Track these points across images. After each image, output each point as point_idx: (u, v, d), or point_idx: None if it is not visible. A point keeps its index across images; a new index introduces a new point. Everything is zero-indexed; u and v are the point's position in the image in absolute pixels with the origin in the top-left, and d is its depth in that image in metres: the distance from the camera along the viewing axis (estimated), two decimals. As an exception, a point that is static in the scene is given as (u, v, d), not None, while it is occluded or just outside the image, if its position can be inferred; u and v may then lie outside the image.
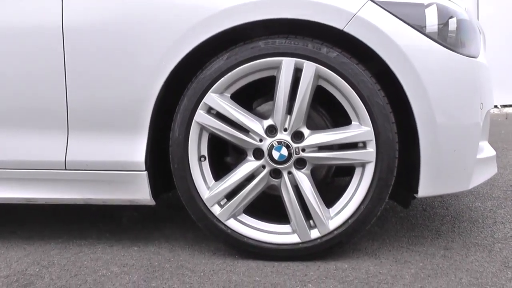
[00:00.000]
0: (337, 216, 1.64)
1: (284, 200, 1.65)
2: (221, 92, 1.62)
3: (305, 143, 1.61)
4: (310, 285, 1.50)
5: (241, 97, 1.66)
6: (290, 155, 1.61)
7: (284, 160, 1.61)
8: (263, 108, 1.75)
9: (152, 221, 2.15)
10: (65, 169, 1.69)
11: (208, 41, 1.57)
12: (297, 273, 1.59)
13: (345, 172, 1.88)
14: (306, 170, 1.63)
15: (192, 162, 1.65)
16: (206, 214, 1.67)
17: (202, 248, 1.82)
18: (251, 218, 1.69)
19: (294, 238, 1.66)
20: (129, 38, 1.61)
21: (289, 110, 1.60)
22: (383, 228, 2.00)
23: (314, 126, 1.69)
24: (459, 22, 1.64)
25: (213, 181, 1.68)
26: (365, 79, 1.56)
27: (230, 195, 1.67)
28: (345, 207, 1.64)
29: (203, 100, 1.61)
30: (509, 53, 6.60)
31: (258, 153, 1.64)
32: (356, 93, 1.56)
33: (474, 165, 1.67)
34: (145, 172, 1.66)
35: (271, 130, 1.62)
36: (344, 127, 1.63)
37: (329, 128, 1.72)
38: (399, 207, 2.26)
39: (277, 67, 1.58)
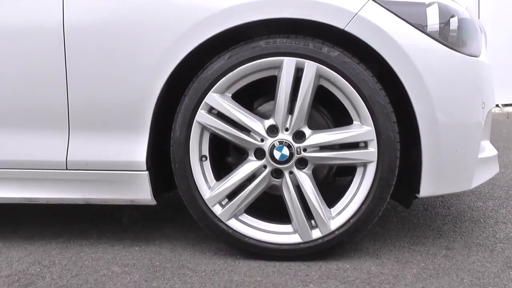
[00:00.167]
0: (338, 216, 1.64)
1: (286, 200, 1.65)
2: (222, 92, 1.61)
3: (306, 143, 1.61)
4: (311, 285, 1.50)
5: (242, 97, 1.66)
6: (291, 155, 1.60)
7: (285, 160, 1.61)
8: (264, 108, 1.75)
9: (153, 221, 2.14)
10: (66, 169, 1.69)
11: (209, 41, 1.56)
12: (298, 273, 1.59)
13: (347, 172, 1.88)
14: (308, 170, 1.63)
15: (193, 162, 1.64)
16: (207, 214, 1.66)
17: (203, 248, 1.82)
18: (253, 218, 1.69)
19: (295, 238, 1.65)
20: (129, 38, 1.60)
21: (291, 110, 1.60)
22: (384, 228, 2.00)
23: (315, 126, 1.69)
24: (460, 21, 1.64)
25: (214, 181, 1.68)
26: (366, 79, 1.55)
27: (231, 195, 1.66)
28: (347, 207, 1.64)
29: (204, 100, 1.60)
30: (510, 52, 6.59)
31: (259, 153, 1.63)
32: (358, 93, 1.56)
33: (476, 165, 1.67)
34: (146, 172, 1.66)
35: (273, 130, 1.62)
36: (346, 126, 1.62)
37: (330, 128, 1.72)
38: (400, 207, 2.26)
39: (278, 66, 1.58)
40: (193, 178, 1.65)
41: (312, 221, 1.65)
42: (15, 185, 1.74)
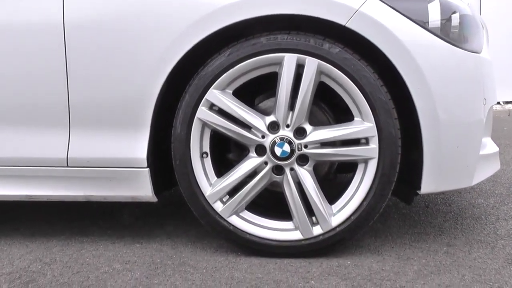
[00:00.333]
0: (339, 212, 1.64)
1: (287, 197, 1.65)
2: (223, 89, 1.61)
3: (307, 139, 1.61)
4: (312, 282, 1.50)
5: (243, 93, 1.66)
6: (292, 151, 1.60)
7: (286, 157, 1.60)
8: (265, 104, 1.75)
9: (154, 218, 2.14)
10: (67, 166, 1.69)
11: (210, 38, 1.56)
12: (299, 270, 1.58)
13: (348, 169, 1.88)
14: (309, 166, 1.63)
15: (194, 159, 1.64)
16: (208, 210, 1.66)
17: (204, 245, 1.82)
18: (254, 215, 1.69)
19: (296, 235, 1.65)
20: (130, 36, 1.60)
21: (291, 106, 1.60)
22: (385, 224, 2.00)
23: (316, 122, 1.69)
24: (462, 17, 1.63)
25: (215, 177, 1.67)
26: (367, 75, 1.55)
27: (232, 191, 1.66)
28: (348, 203, 1.64)
29: (205, 97, 1.60)
30: (512, 48, 6.58)
31: (260, 150, 1.63)
32: (359, 89, 1.55)
33: (477, 162, 1.67)
34: (147, 169, 1.65)
35: (273, 127, 1.62)
36: (347, 123, 1.62)
37: (331, 124, 1.72)
38: (401, 203, 2.26)
39: (279, 63, 1.57)
40: (194, 175, 1.65)
41: (313, 218, 1.65)
42: (16, 182, 1.74)
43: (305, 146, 1.61)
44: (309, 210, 1.64)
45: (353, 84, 1.56)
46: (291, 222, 1.67)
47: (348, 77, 1.55)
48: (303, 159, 1.62)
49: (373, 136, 1.58)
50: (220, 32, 1.56)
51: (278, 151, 1.60)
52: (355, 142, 1.62)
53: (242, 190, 1.65)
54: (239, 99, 1.62)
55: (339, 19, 1.52)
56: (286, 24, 1.59)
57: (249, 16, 1.53)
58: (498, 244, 1.76)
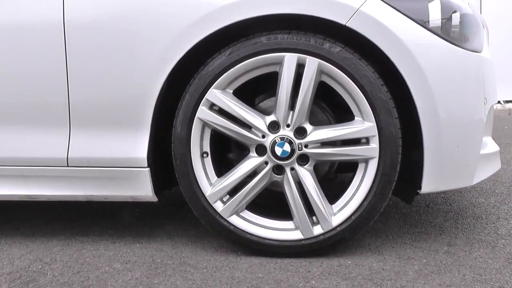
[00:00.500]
0: (340, 212, 1.64)
1: (287, 197, 1.65)
2: (223, 88, 1.61)
3: (308, 139, 1.60)
4: (313, 281, 1.50)
5: (243, 93, 1.66)
6: (292, 151, 1.60)
7: (287, 156, 1.60)
8: (265, 104, 1.74)
9: (154, 218, 2.14)
10: (67, 166, 1.69)
11: (210, 38, 1.56)
12: (300, 269, 1.58)
13: (348, 168, 1.87)
14: (309, 166, 1.63)
15: (194, 159, 1.64)
16: (208, 210, 1.66)
17: (205, 244, 1.82)
18: (254, 215, 1.68)
19: (297, 235, 1.65)
20: (130, 35, 1.60)
21: (292, 106, 1.60)
22: (386, 224, 2.00)
23: (316, 122, 1.69)
24: (462, 16, 1.63)
25: (216, 177, 1.67)
26: (368, 74, 1.55)
27: (233, 191, 1.66)
28: (348, 203, 1.64)
29: (205, 96, 1.60)
30: (512, 48, 6.57)
31: (260, 149, 1.63)
32: (359, 88, 1.55)
33: (478, 161, 1.66)
34: (147, 169, 1.65)
35: (274, 126, 1.62)
36: (347, 122, 1.62)
37: (332, 124, 1.71)
38: (402, 203, 2.26)
39: (280, 62, 1.57)
40: (194, 175, 1.65)
41: (314, 218, 1.65)
42: (16, 182, 1.74)
43: (306, 146, 1.61)
44: (310, 209, 1.64)
45: (354, 84, 1.55)
46: (291, 221, 1.67)
47: (349, 77, 1.55)
48: (303, 159, 1.62)
49: (374, 136, 1.57)
50: (220, 32, 1.55)
51: (278, 150, 1.60)
52: (355, 141, 1.62)
53: (243, 190, 1.64)
54: (239, 99, 1.62)
55: (339, 19, 1.52)
56: (286, 23, 1.59)
57: (249, 15, 1.53)
58: (499, 243, 1.76)
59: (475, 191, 2.47)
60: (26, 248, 1.83)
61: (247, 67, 1.58)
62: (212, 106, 1.62)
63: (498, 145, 1.94)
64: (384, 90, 1.55)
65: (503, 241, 1.78)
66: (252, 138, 1.62)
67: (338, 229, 1.63)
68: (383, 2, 1.54)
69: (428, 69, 1.53)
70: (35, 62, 1.65)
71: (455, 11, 1.62)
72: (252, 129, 1.62)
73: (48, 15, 1.62)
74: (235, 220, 1.67)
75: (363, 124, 1.58)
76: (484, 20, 1.94)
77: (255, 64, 1.58)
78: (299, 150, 1.61)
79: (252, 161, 1.64)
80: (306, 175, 1.62)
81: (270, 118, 1.62)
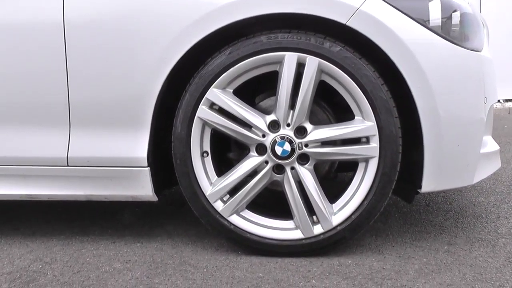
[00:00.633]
0: (340, 211, 1.64)
1: (287, 196, 1.65)
2: (223, 88, 1.61)
3: (308, 138, 1.60)
4: (313, 281, 1.50)
5: (243, 92, 1.66)
6: (293, 150, 1.60)
7: (287, 156, 1.60)
8: (265, 103, 1.74)
9: (154, 218, 2.14)
10: (67, 165, 1.69)
11: (210, 37, 1.56)
12: (300, 269, 1.58)
13: (348, 168, 1.87)
14: (309, 165, 1.63)
15: (194, 158, 1.64)
16: (208, 210, 1.66)
17: (205, 244, 1.82)
18: (254, 214, 1.68)
19: (297, 234, 1.65)
20: (130, 35, 1.60)
21: (292, 105, 1.60)
22: (386, 223, 2.00)
23: (317, 121, 1.69)
24: (462, 15, 1.63)
25: (216, 177, 1.67)
26: (368, 73, 1.55)
27: (233, 191, 1.66)
28: (348, 202, 1.64)
29: (205, 96, 1.60)
30: (512, 47, 6.57)
31: (261, 149, 1.63)
32: (359, 88, 1.55)
33: (478, 160, 1.66)
34: (147, 168, 1.65)
35: (274, 126, 1.62)
36: (347, 122, 1.62)
37: (332, 123, 1.71)
38: (402, 202, 2.26)
39: (280, 62, 1.57)
40: (195, 174, 1.65)
41: (314, 217, 1.65)
42: (16, 182, 1.74)
43: (306, 145, 1.60)
44: (310, 209, 1.64)
45: (354, 83, 1.55)
46: (291, 221, 1.67)
47: (349, 76, 1.55)
48: (303, 158, 1.62)
49: (374, 135, 1.57)
50: (220, 31, 1.55)
51: (278, 150, 1.60)
52: (355, 141, 1.62)
53: (243, 189, 1.64)
54: (239, 98, 1.62)
55: (339, 18, 1.52)
56: (286, 23, 1.59)
57: (249, 15, 1.53)
58: (499, 242, 1.76)
59: (475, 190, 2.47)
60: (26, 247, 1.83)
61: (247, 67, 1.58)
62: (212, 106, 1.62)
63: (498, 144, 1.94)
64: (384, 90, 1.55)
65: (503, 240, 1.78)
66: (252, 138, 1.62)
67: (339, 228, 1.63)
68: (383, 1, 1.54)
69: (428, 68, 1.53)
70: (35, 62, 1.65)
71: (455, 10, 1.62)
72: (252, 128, 1.62)
73: (48, 15, 1.62)
74: (235, 219, 1.67)
75: (363, 124, 1.58)
76: (484, 19, 1.94)
77: (255, 63, 1.58)
78: (299, 149, 1.60)
79: (252, 160, 1.64)
80: (306, 174, 1.62)
81: (270, 117, 1.62)
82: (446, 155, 1.59)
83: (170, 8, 1.57)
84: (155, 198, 1.71)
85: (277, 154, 1.60)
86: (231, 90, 1.62)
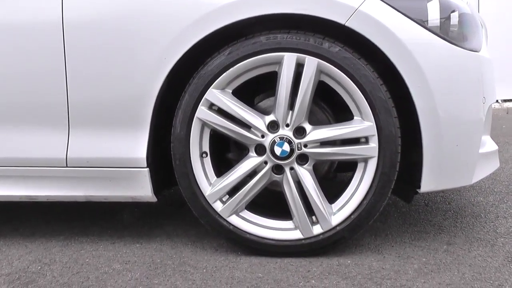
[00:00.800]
0: (339, 211, 1.64)
1: (287, 196, 1.65)
2: (222, 88, 1.61)
3: (307, 138, 1.60)
4: (313, 281, 1.50)
5: (242, 92, 1.66)
6: (292, 150, 1.60)
7: (286, 156, 1.60)
8: (265, 103, 1.75)
9: (153, 218, 2.14)
10: (66, 166, 1.69)
11: (210, 37, 1.56)
12: (300, 269, 1.58)
13: (348, 168, 1.88)
14: (308, 165, 1.63)
15: (193, 159, 1.64)
16: (208, 210, 1.66)
17: (204, 244, 1.82)
18: (253, 214, 1.69)
19: (296, 234, 1.65)
20: (129, 35, 1.60)
21: (291, 106, 1.60)
22: (385, 223, 2.00)
23: (316, 122, 1.69)
24: (461, 16, 1.63)
25: (215, 177, 1.67)
26: (367, 74, 1.55)
27: (232, 191, 1.66)
28: (348, 202, 1.64)
29: (205, 96, 1.60)
30: (510, 47, 6.58)
31: (260, 149, 1.63)
32: (358, 88, 1.55)
33: (477, 160, 1.67)
34: (147, 169, 1.65)
35: (273, 126, 1.62)
36: (346, 122, 1.62)
37: (331, 124, 1.72)
38: (401, 202, 2.26)
39: (279, 62, 1.57)
40: (194, 175, 1.65)
41: (313, 217, 1.65)
42: (16, 182, 1.73)
43: (305, 146, 1.61)
44: (309, 209, 1.64)
45: (353, 83, 1.55)
46: (291, 221, 1.67)
47: (348, 76, 1.55)
48: (302, 159, 1.62)
49: (373, 135, 1.58)
50: (220, 31, 1.55)
51: (277, 150, 1.60)
52: (355, 141, 1.62)
53: (242, 190, 1.64)
54: (239, 99, 1.62)
55: (338, 18, 1.52)
56: (286, 23, 1.59)
57: (248, 15, 1.53)
58: (498, 242, 1.77)
59: (474, 190, 2.48)
60: (25, 249, 1.83)
61: (247, 67, 1.58)
62: (211, 106, 1.62)
63: (497, 144, 1.94)
64: (383, 90, 1.56)
65: (502, 239, 1.79)
66: (251, 138, 1.62)
67: (338, 228, 1.63)
68: (382, 2, 1.54)
69: (427, 68, 1.54)
70: (34, 62, 1.65)
71: (453, 11, 1.62)
72: (252, 129, 1.62)
73: (47, 14, 1.62)
74: (234, 220, 1.67)
75: (363, 124, 1.58)
76: (483, 20, 1.95)
77: (255, 63, 1.58)
78: (298, 149, 1.61)
79: (251, 161, 1.64)
80: (305, 174, 1.62)
81: (270, 117, 1.62)
82: (445, 155, 1.59)
83: (170, 8, 1.57)
84: (154, 199, 1.71)
85: (276, 155, 1.60)
86: (230, 91, 1.62)
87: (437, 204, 2.25)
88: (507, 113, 6.23)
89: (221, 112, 1.62)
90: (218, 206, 1.66)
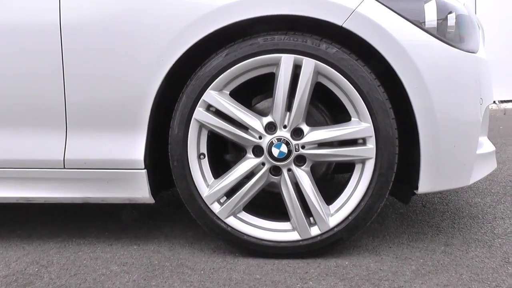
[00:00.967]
0: (337, 213, 1.64)
1: (284, 198, 1.65)
2: (220, 89, 1.61)
3: (304, 140, 1.61)
4: (310, 282, 1.50)
5: (240, 94, 1.66)
6: (289, 152, 1.60)
7: (283, 157, 1.60)
8: (262, 105, 1.75)
9: (151, 220, 2.14)
10: (64, 167, 1.68)
11: (208, 38, 1.56)
12: (297, 270, 1.58)
13: (345, 169, 1.88)
14: (306, 167, 1.63)
15: (191, 160, 1.64)
16: (205, 212, 1.66)
17: (202, 246, 1.82)
18: (251, 216, 1.68)
19: (294, 236, 1.65)
20: (127, 36, 1.59)
21: (289, 107, 1.60)
22: (383, 224, 2.00)
23: (313, 123, 1.69)
24: (458, 17, 1.64)
25: (213, 178, 1.67)
26: (364, 75, 1.55)
27: (230, 192, 1.66)
28: (345, 203, 1.64)
29: (202, 98, 1.60)
30: (507, 48, 6.60)
31: (257, 151, 1.63)
32: (356, 89, 1.56)
33: (474, 161, 1.67)
34: (144, 170, 1.65)
35: (271, 127, 1.62)
36: (344, 123, 1.62)
37: (328, 125, 1.72)
38: (399, 203, 2.26)
39: (276, 63, 1.57)
40: (192, 176, 1.65)
41: (311, 218, 1.65)
42: (13, 184, 1.73)
43: (302, 147, 1.61)
44: (307, 210, 1.64)
45: (350, 85, 1.56)
46: (288, 223, 1.67)
47: (345, 78, 1.55)
48: (300, 160, 1.62)
49: (371, 136, 1.58)
50: (218, 32, 1.55)
51: (275, 152, 1.60)
52: (352, 142, 1.62)
53: (240, 191, 1.64)
54: (236, 100, 1.62)
55: (336, 20, 1.52)
56: (283, 24, 1.59)
57: (246, 16, 1.53)
58: (495, 243, 1.77)
59: (471, 191, 2.48)
60: (23, 250, 1.83)
61: (244, 68, 1.58)
62: (209, 107, 1.62)
63: (494, 145, 1.95)
64: (380, 91, 1.56)
65: (499, 240, 1.79)
66: (249, 139, 1.62)
67: (336, 229, 1.63)
68: (379, 3, 1.54)
69: (424, 69, 1.54)
70: (31, 63, 1.65)
71: (450, 12, 1.62)
72: (249, 130, 1.62)
73: (44, 15, 1.62)
74: (232, 221, 1.67)
75: (360, 125, 1.58)
76: (480, 21, 1.95)
77: (252, 65, 1.58)
78: (296, 151, 1.61)
79: (249, 162, 1.64)
80: (303, 176, 1.62)
81: (267, 119, 1.62)
82: (443, 156, 1.60)
83: (168, 9, 1.57)
84: (152, 200, 1.70)
85: (274, 156, 1.60)
86: (228, 92, 1.62)
87: (435, 205, 2.25)
88: (505, 114, 6.24)
89: (219, 114, 1.62)
90: (215, 208, 1.66)
